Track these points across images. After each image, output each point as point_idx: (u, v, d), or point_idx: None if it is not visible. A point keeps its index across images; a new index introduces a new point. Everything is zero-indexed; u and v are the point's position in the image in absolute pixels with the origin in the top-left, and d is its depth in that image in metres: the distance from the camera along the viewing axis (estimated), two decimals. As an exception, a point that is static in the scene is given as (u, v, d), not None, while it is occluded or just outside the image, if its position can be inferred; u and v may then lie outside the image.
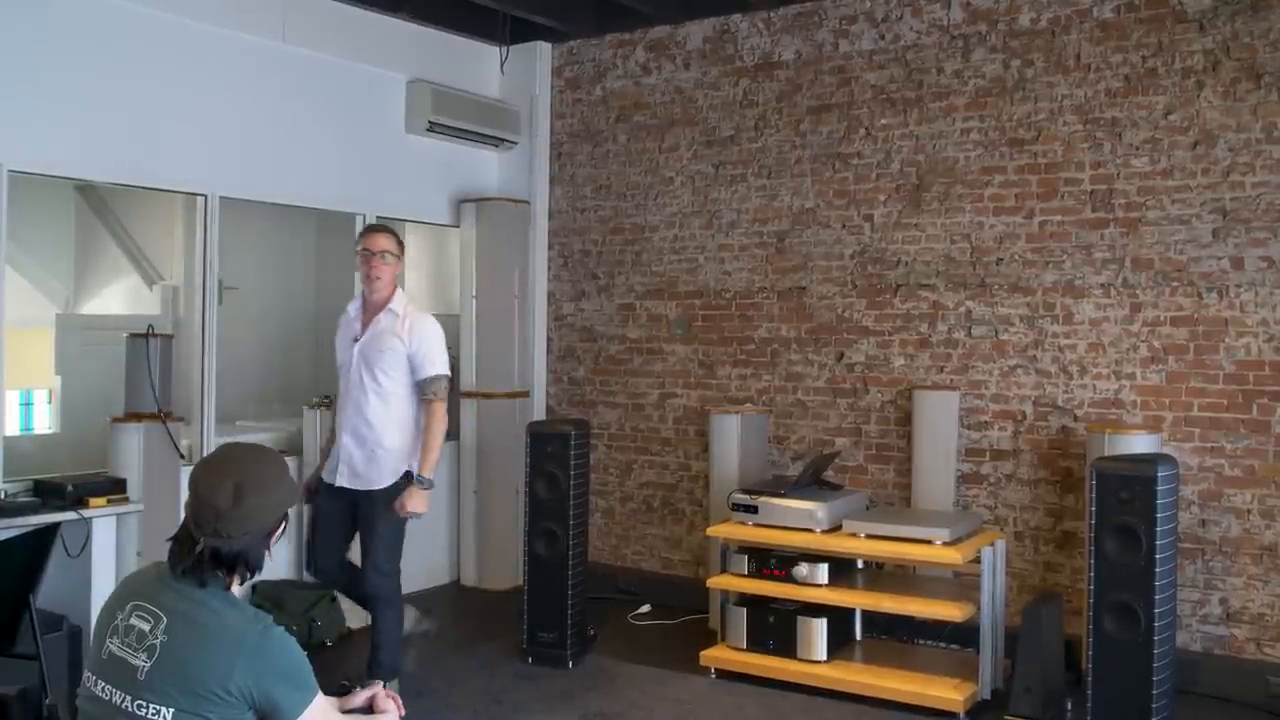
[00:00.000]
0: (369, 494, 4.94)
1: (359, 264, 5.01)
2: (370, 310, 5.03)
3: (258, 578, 2.58)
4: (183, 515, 2.43)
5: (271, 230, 7.56)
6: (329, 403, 6.39)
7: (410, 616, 5.32)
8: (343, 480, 4.97)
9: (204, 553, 2.34)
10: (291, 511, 2.56)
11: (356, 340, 5.00)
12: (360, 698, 2.62)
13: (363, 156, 6.94)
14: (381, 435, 4.93)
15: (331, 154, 6.74)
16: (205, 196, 6.08)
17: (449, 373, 5.05)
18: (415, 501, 4.90)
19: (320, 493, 5.10)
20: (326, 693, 2.49)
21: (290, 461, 6.09)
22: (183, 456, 5.55)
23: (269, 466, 2.48)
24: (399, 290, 5.09)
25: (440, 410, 4.96)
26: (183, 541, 2.38)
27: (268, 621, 2.35)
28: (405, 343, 4.92)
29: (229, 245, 6.26)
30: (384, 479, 4.93)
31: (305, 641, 5.70)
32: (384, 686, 4.62)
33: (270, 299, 7.65)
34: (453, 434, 7.54)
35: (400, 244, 5.10)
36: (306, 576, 5.79)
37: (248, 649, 2.29)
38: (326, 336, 7.53)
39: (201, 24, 5.99)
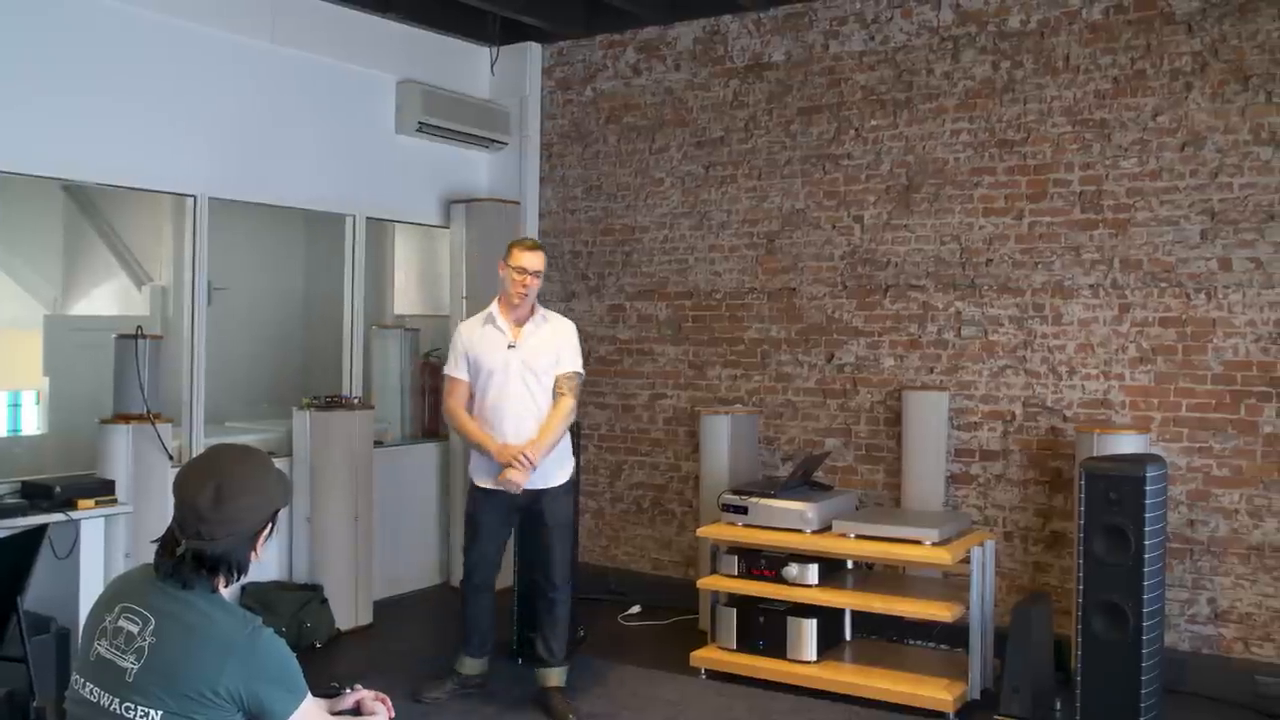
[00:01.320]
0: (554, 489, 5.16)
1: (509, 277, 5.08)
2: (516, 318, 5.15)
3: (246, 579, 2.56)
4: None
5: (261, 231, 7.54)
6: (320, 404, 6.39)
7: (477, 666, 5.37)
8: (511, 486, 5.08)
9: (186, 555, 2.33)
10: (283, 513, 2.55)
11: (512, 347, 5.10)
12: (349, 700, 2.61)
13: (352, 157, 6.93)
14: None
15: (321, 155, 6.73)
16: (194, 197, 6.07)
17: (582, 371, 5.28)
18: (515, 472, 4.97)
19: (479, 502, 5.21)
20: (316, 694, 2.48)
21: (277, 463, 6.07)
22: (171, 458, 5.53)
23: (253, 468, 2.47)
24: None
25: (569, 407, 5.11)
26: (167, 544, 2.38)
27: (257, 623, 2.35)
28: (556, 343, 5.16)
29: (218, 246, 6.24)
30: (562, 474, 5.20)
31: (295, 643, 5.68)
32: (554, 667, 5.05)
33: (260, 300, 7.63)
34: (442, 434, 7.57)
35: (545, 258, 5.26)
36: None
37: (237, 651, 2.28)
38: (317, 337, 7.58)
39: (190, 24, 5.98)
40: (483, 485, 5.16)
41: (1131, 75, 5.73)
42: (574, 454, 5.41)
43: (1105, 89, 5.79)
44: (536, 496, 5.12)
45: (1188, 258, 5.59)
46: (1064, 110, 5.90)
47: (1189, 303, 5.58)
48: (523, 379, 5.08)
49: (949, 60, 6.22)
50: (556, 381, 5.12)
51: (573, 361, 5.19)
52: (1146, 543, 4.51)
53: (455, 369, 5.21)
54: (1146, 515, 4.51)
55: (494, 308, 5.20)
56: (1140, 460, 4.69)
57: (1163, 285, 5.65)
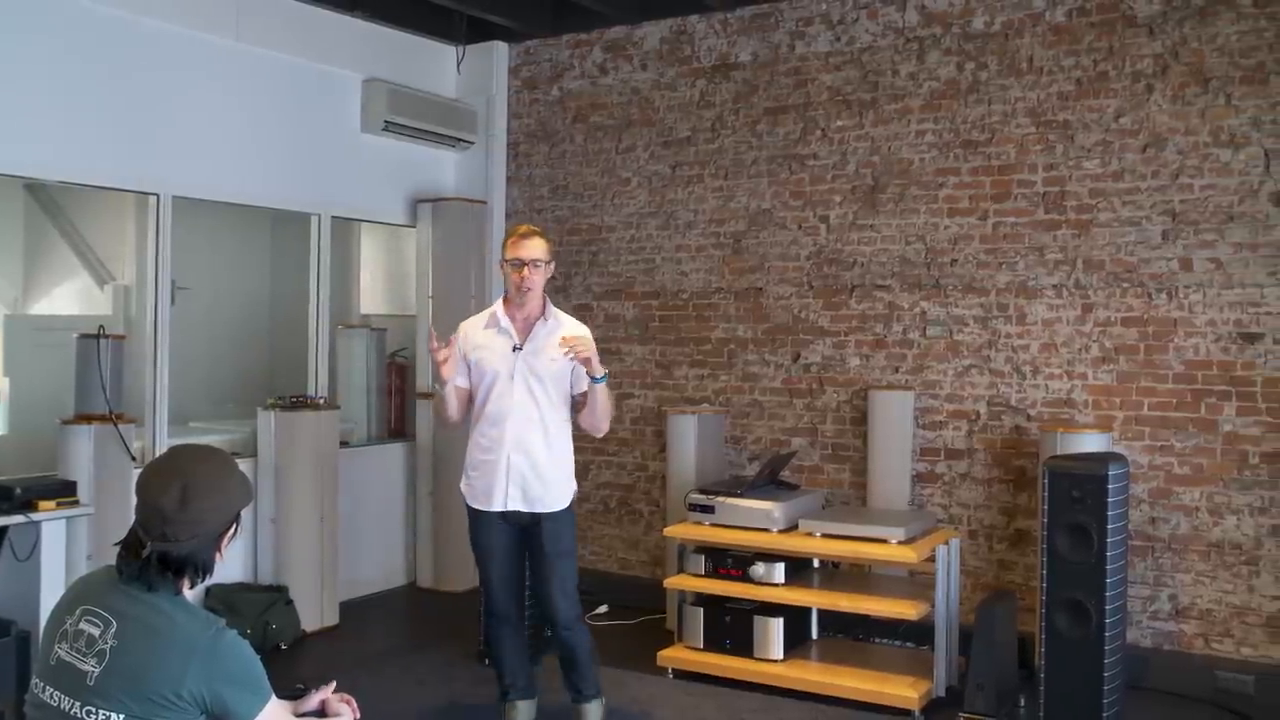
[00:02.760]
0: (553, 515, 4.59)
1: (507, 273, 4.58)
2: (524, 316, 4.63)
3: (211, 580, 2.55)
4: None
5: (225, 230, 7.48)
6: (285, 404, 6.35)
7: (523, 711, 4.85)
8: (515, 503, 4.55)
9: (151, 557, 2.32)
10: (246, 513, 2.54)
11: (517, 350, 4.56)
12: (314, 700, 2.60)
13: (318, 156, 6.89)
14: (557, 450, 4.61)
15: (286, 153, 6.69)
16: (157, 196, 6.02)
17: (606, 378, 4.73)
18: (597, 361, 4.46)
19: (481, 527, 4.68)
20: (280, 695, 2.47)
21: (243, 464, 6.04)
22: (134, 459, 5.49)
23: (217, 468, 2.45)
24: (546, 296, 4.72)
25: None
26: (131, 546, 2.36)
27: (220, 625, 2.33)
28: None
29: (182, 245, 6.19)
30: (562, 499, 4.62)
31: (260, 645, 5.65)
32: (586, 703, 4.60)
33: (224, 299, 7.58)
34: (408, 434, 7.54)
35: (552, 247, 4.72)
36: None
37: (200, 653, 2.26)
38: (282, 337, 7.54)
39: (153, 21, 5.93)
40: (473, 506, 4.66)
41: (1094, 77, 5.78)
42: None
43: (1068, 90, 5.84)
44: (536, 520, 4.58)
45: (1149, 258, 5.65)
46: (1028, 111, 5.94)
47: (1151, 303, 5.64)
48: (527, 385, 4.55)
49: (914, 61, 6.26)
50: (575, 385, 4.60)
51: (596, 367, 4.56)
52: (1109, 540, 4.54)
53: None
54: (1109, 513, 4.55)
55: (498, 307, 4.68)
56: (1103, 459, 4.73)
57: (1125, 285, 5.71)
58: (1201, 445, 5.52)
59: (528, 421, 4.55)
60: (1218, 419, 5.48)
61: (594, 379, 4.49)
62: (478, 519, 4.67)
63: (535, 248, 4.57)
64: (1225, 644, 5.47)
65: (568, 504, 4.65)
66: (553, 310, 4.68)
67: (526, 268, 4.53)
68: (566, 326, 4.63)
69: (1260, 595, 5.39)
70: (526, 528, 4.62)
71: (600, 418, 4.62)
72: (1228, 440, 5.46)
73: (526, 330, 4.60)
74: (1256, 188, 5.41)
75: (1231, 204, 5.46)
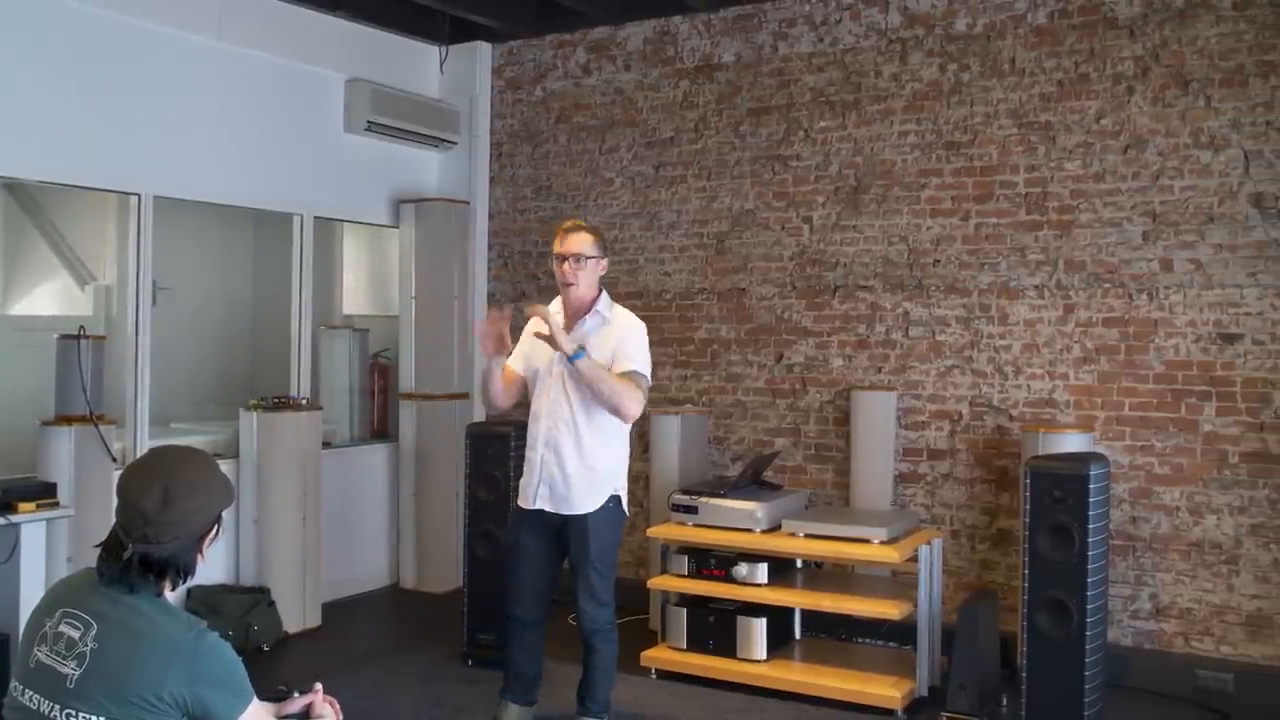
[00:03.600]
0: (581, 519, 4.47)
1: (555, 268, 4.53)
2: (572, 312, 4.55)
3: (192, 582, 2.54)
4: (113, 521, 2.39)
5: (208, 230, 7.47)
6: (267, 404, 6.33)
7: (514, 714, 4.78)
8: (543, 503, 4.50)
9: (133, 559, 2.30)
10: (227, 515, 2.53)
11: None
12: (298, 703, 2.59)
13: (300, 156, 6.87)
14: (588, 452, 4.46)
15: (269, 153, 6.67)
16: (139, 196, 5.99)
17: (647, 374, 4.51)
18: (562, 339, 4.27)
19: (516, 524, 4.65)
20: (263, 697, 2.46)
21: (225, 465, 6.02)
22: (115, 460, 5.46)
23: (199, 469, 2.44)
24: (604, 292, 4.61)
25: (634, 387, 4.37)
26: (111, 548, 2.34)
27: (201, 627, 2.32)
28: (610, 350, 4.43)
29: (163, 245, 6.17)
30: (593, 501, 4.47)
31: (242, 646, 5.64)
32: (582, 718, 4.46)
33: (206, 299, 7.56)
34: (391, 435, 7.52)
35: (601, 241, 4.59)
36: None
37: (181, 655, 2.25)
38: (264, 337, 7.52)
39: (135, 20, 5.90)
40: (520, 504, 4.61)
41: (1075, 79, 5.80)
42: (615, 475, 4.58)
43: (1050, 92, 5.87)
44: (566, 521, 4.49)
45: (1130, 259, 5.67)
46: (1009, 113, 5.96)
47: (1131, 303, 5.67)
48: (562, 383, 4.45)
49: (897, 62, 6.27)
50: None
51: (629, 360, 4.43)
52: (1090, 540, 4.57)
53: (512, 358, 4.61)
54: (1090, 513, 4.57)
55: (557, 300, 4.62)
56: (1084, 459, 4.75)
57: (1106, 286, 5.73)
58: (1182, 445, 5.55)
59: (559, 420, 4.47)
60: (1198, 419, 5.51)
61: (568, 358, 4.29)
62: (516, 516, 4.65)
63: (578, 242, 4.49)
64: (1205, 643, 5.50)
65: (597, 508, 4.47)
66: (605, 305, 4.55)
67: (568, 262, 4.47)
68: (616, 322, 4.52)
69: (1240, 594, 5.42)
70: (559, 530, 4.53)
71: (607, 399, 4.35)
72: (1207, 440, 5.49)
73: (574, 324, 4.52)
74: (1236, 189, 5.44)
75: (1211, 205, 5.49)
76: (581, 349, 4.31)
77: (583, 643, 4.63)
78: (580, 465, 4.47)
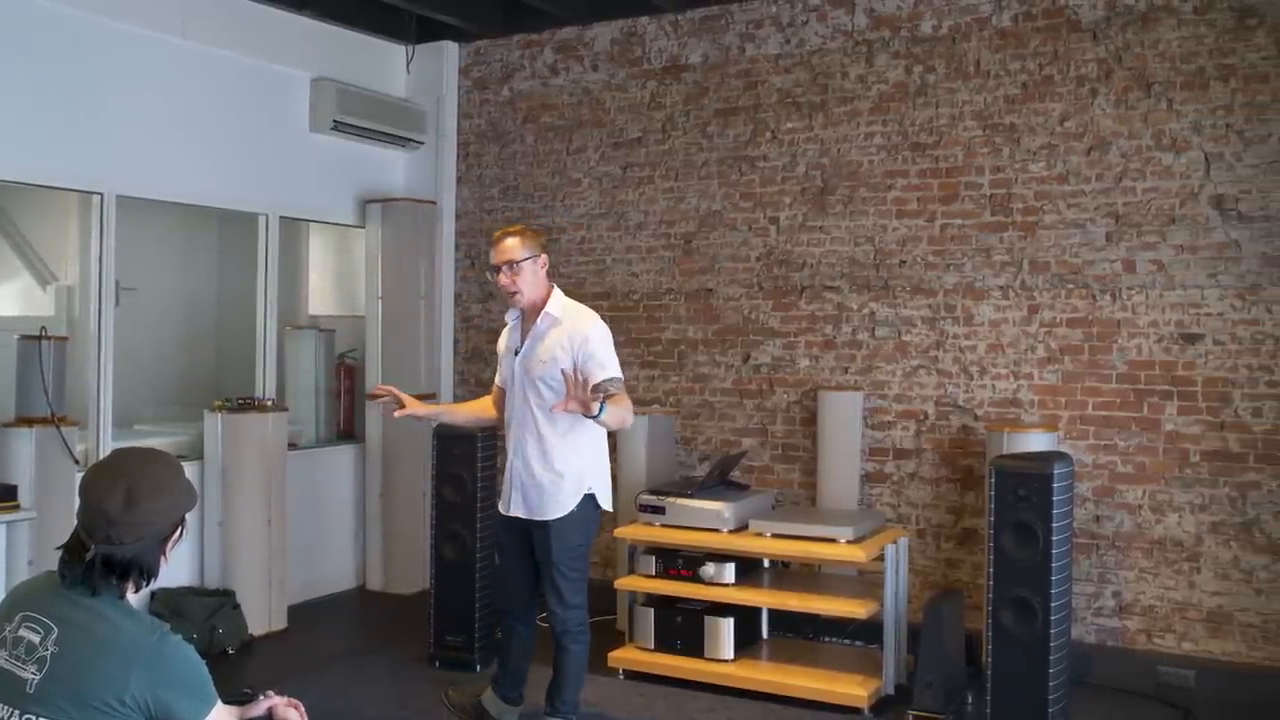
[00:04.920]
0: (544, 524, 4.48)
1: (494, 280, 4.57)
2: (529, 316, 4.55)
3: (156, 585, 2.52)
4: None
5: (172, 230, 7.41)
6: (232, 406, 6.29)
7: (497, 707, 4.84)
8: (516, 509, 4.52)
9: (95, 560, 2.28)
10: (192, 516, 2.51)
11: (517, 352, 4.53)
12: (261, 706, 2.58)
13: (266, 155, 6.83)
14: (554, 458, 4.45)
15: (233, 152, 6.62)
16: (101, 195, 5.93)
17: (620, 375, 4.48)
18: (577, 403, 4.13)
19: (499, 525, 4.75)
20: (227, 701, 2.44)
21: (189, 466, 5.98)
22: (77, 462, 5.41)
23: (163, 470, 2.42)
24: (555, 290, 4.58)
25: (625, 401, 4.36)
26: (73, 550, 2.32)
27: (165, 630, 2.30)
28: (569, 351, 4.40)
29: (127, 245, 6.11)
30: (558, 508, 4.46)
31: (206, 649, 5.60)
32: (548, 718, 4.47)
33: (171, 300, 7.49)
34: (357, 436, 7.48)
35: (532, 240, 4.52)
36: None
37: (144, 658, 2.24)
38: (229, 338, 7.47)
39: (98, 17, 5.84)
40: (500, 509, 4.69)
41: (1040, 81, 5.85)
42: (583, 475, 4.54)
43: (1015, 94, 5.91)
44: (534, 526, 4.53)
45: (1093, 260, 5.73)
46: (975, 114, 6.01)
47: (1095, 304, 5.72)
48: (524, 391, 4.48)
49: (863, 64, 6.30)
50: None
51: (601, 369, 4.37)
52: (1054, 539, 4.60)
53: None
54: (1054, 512, 4.61)
55: (514, 310, 4.65)
56: (1048, 458, 4.79)
57: (1070, 286, 5.78)
58: (1144, 444, 5.60)
59: (524, 430, 4.51)
60: (1160, 418, 5.57)
61: (592, 416, 4.20)
62: (501, 519, 4.68)
63: (507, 249, 4.47)
64: (1167, 639, 5.56)
65: (565, 513, 4.47)
66: (556, 305, 4.52)
67: (503, 271, 4.47)
68: (568, 322, 4.47)
69: (1201, 591, 5.48)
70: (530, 533, 4.56)
71: (624, 428, 4.53)
72: (1169, 439, 5.55)
73: (530, 328, 4.53)
74: (1197, 191, 5.50)
75: (1173, 207, 5.55)
76: (601, 404, 4.19)
77: (554, 643, 4.65)
78: (547, 472, 4.48)
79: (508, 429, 4.62)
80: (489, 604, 5.74)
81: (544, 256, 4.57)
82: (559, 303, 4.54)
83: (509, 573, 4.73)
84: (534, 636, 4.83)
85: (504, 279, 4.47)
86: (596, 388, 4.27)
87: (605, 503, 4.61)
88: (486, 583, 5.74)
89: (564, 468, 4.47)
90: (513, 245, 4.48)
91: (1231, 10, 5.44)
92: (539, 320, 4.50)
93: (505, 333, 4.71)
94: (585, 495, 4.51)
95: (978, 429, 5.96)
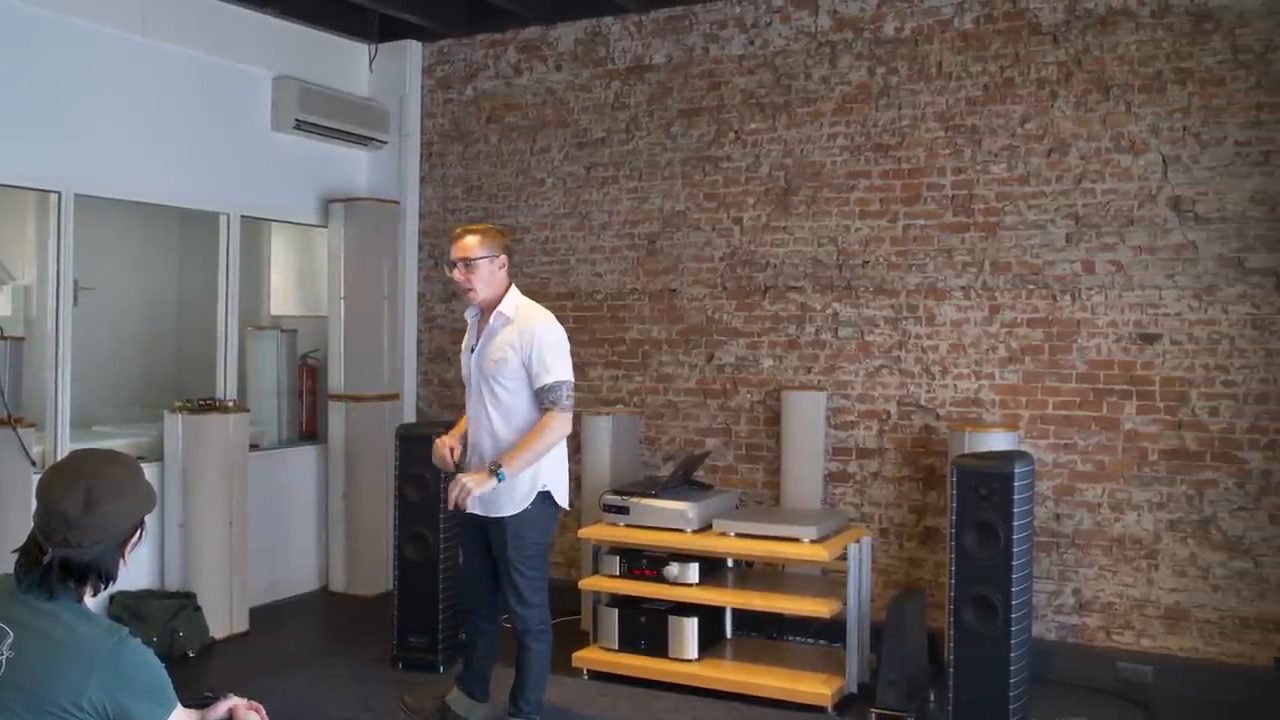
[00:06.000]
0: (498, 521, 4.51)
1: (451, 275, 4.60)
2: (486, 315, 4.58)
3: (115, 588, 2.50)
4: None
5: (131, 229, 7.33)
6: (193, 406, 6.24)
7: (464, 705, 4.87)
8: (473, 507, 4.46)
9: (53, 563, 2.26)
10: (152, 519, 2.49)
11: (473, 350, 4.59)
12: (221, 708, 2.56)
13: (227, 154, 6.77)
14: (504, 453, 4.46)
15: (194, 151, 6.56)
16: (59, 194, 5.86)
17: (571, 378, 4.49)
18: (474, 479, 4.32)
19: (461, 524, 4.78)
20: (188, 704, 2.43)
21: (149, 468, 5.93)
22: (34, 464, 5.35)
23: (122, 472, 2.40)
24: (512, 289, 4.60)
25: (552, 420, 4.39)
26: (30, 553, 2.29)
27: (123, 633, 2.28)
28: (519, 349, 4.44)
29: (86, 244, 6.05)
30: (512, 505, 4.47)
31: (167, 653, 5.55)
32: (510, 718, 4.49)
33: (130, 300, 7.42)
34: (320, 437, 7.44)
35: (493, 240, 4.56)
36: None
37: (102, 662, 2.21)
38: (190, 338, 7.40)
39: (56, 14, 5.76)
40: None
41: (1001, 83, 5.90)
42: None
43: (976, 96, 5.96)
44: (491, 524, 4.55)
45: (1054, 260, 5.78)
46: (937, 116, 6.05)
47: (1055, 304, 5.77)
48: (479, 389, 4.53)
49: (826, 65, 6.33)
50: (537, 397, 4.43)
51: (548, 371, 4.41)
52: (1015, 537, 4.64)
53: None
54: (1015, 510, 4.64)
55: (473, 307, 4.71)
56: (1009, 457, 4.82)
57: (1030, 287, 5.83)
58: (1103, 443, 5.66)
59: (481, 428, 4.56)
60: (1119, 417, 5.63)
61: (492, 465, 4.37)
62: (461, 515, 4.62)
63: (465, 247, 4.51)
64: (1126, 636, 5.62)
65: (519, 511, 4.48)
66: (509, 305, 4.54)
67: (458, 268, 4.52)
68: (521, 320, 4.50)
69: (1159, 588, 5.54)
70: (487, 530, 4.58)
71: (547, 452, 4.47)
72: (1128, 438, 5.61)
73: (485, 326, 4.58)
74: (1155, 192, 5.57)
75: (1131, 208, 5.61)
76: (498, 472, 4.33)
77: (516, 642, 4.66)
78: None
79: (468, 426, 4.66)
80: (452, 605, 5.73)
81: (503, 257, 4.59)
82: (513, 302, 4.57)
83: (471, 570, 4.78)
84: (499, 634, 4.83)
85: (459, 275, 4.52)
86: (542, 391, 4.40)
87: (562, 500, 4.62)
88: (450, 584, 5.73)
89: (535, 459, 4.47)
90: (471, 243, 4.52)
91: (1188, 15, 5.51)
92: (493, 319, 4.54)
93: (467, 332, 4.77)
94: (540, 493, 4.51)
95: (940, 428, 6.00)
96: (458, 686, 4.90)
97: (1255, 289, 5.40)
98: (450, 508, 4.45)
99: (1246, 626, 5.39)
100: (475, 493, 4.35)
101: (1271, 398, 5.35)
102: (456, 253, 4.53)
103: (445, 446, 4.62)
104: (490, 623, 4.79)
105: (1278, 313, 5.36)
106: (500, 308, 4.53)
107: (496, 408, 4.49)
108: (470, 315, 4.70)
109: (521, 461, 4.37)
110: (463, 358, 4.74)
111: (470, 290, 4.53)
